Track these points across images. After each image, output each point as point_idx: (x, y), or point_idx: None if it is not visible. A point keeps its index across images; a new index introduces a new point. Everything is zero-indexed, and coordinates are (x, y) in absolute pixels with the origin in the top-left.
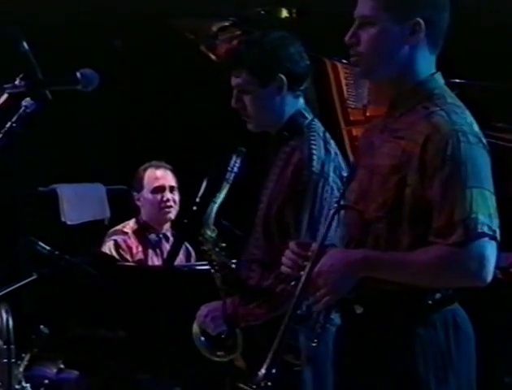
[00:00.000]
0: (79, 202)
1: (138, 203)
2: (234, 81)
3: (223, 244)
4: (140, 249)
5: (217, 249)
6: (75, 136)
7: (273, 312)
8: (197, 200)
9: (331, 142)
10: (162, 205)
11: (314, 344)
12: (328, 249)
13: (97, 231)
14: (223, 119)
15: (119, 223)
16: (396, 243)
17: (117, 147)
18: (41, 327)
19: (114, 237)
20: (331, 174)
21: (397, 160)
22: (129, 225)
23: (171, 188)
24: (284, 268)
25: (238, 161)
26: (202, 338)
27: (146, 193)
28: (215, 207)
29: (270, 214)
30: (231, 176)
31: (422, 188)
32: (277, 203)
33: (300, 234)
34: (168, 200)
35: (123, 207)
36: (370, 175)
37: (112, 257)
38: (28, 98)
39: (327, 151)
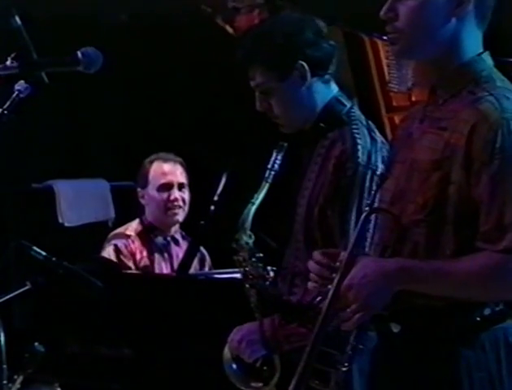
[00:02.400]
0: (79, 201)
1: (142, 201)
2: (252, 83)
3: (261, 254)
4: (144, 253)
5: (253, 260)
6: (75, 124)
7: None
8: (215, 198)
9: (376, 130)
10: (169, 206)
11: (344, 369)
12: (359, 259)
13: (99, 234)
14: (245, 106)
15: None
16: (437, 250)
17: (123, 137)
18: (36, 344)
19: (115, 241)
20: (380, 164)
21: (440, 154)
22: (132, 227)
23: (180, 186)
24: (310, 283)
25: (279, 157)
26: (234, 365)
27: (151, 190)
28: (253, 209)
29: (311, 217)
30: (271, 175)
31: (468, 186)
32: (318, 204)
33: (347, 237)
34: (176, 199)
35: (129, 207)
36: (408, 172)
37: (117, 264)
38: (21, 81)
39: (373, 139)
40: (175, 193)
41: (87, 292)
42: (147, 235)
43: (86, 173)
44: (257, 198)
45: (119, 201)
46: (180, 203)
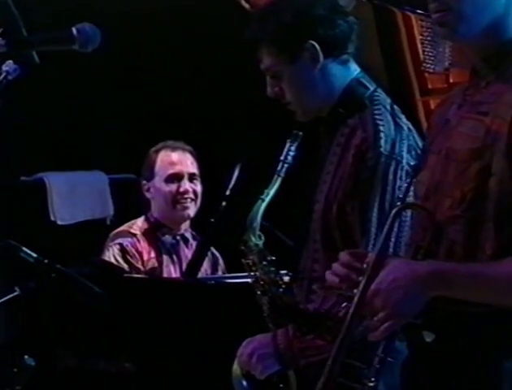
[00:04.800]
0: (73, 196)
1: (148, 195)
2: (261, 66)
3: (272, 258)
4: (152, 254)
5: (264, 263)
6: (69, 109)
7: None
8: (227, 193)
9: (402, 116)
10: (179, 198)
11: (371, 384)
12: (389, 261)
13: (97, 233)
14: (257, 92)
15: (125, 224)
16: (476, 250)
17: (123, 125)
18: (26, 357)
19: (120, 241)
20: (405, 154)
21: (480, 142)
22: (137, 224)
23: (191, 177)
24: (327, 285)
25: (293, 148)
26: (244, 382)
27: (158, 182)
28: (263, 207)
29: (329, 215)
30: (283, 167)
31: (510, 178)
32: (337, 200)
33: (368, 237)
34: (186, 191)
35: (130, 202)
36: (444, 163)
37: (117, 267)
38: (9, 61)
39: (398, 126)
40: (186, 185)
41: (83, 299)
42: (154, 233)
43: (81, 164)
44: (267, 194)
45: (119, 195)
46: (191, 196)
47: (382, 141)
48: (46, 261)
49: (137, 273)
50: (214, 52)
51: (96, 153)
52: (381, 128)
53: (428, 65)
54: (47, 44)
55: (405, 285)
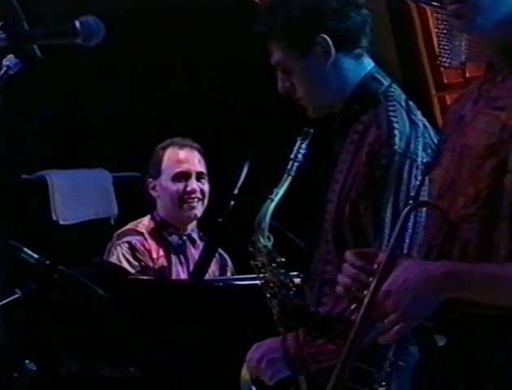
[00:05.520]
0: (76, 195)
1: (154, 193)
2: (272, 61)
3: (282, 259)
4: (161, 253)
5: (273, 265)
6: (72, 106)
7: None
8: (236, 192)
9: (418, 112)
10: (185, 198)
11: (381, 388)
12: (400, 261)
13: (100, 233)
14: (266, 86)
15: (129, 223)
16: (491, 250)
17: (128, 122)
18: (27, 362)
19: (128, 239)
20: (421, 153)
21: (495, 138)
22: (143, 223)
23: (199, 175)
24: (339, 288)
25: (303, 146)
26: (254, 388)
27: (165, 181)
28: (272, 207)
29: (341, 215)
30: (294, 166)
31: None
32: (350, 200)
33: (381, 238)
34: (194, 191)
35: (135, 201)
36: (458, 160)
37: (121, 268)
38: (10, 56)
39: (413, 123)
40: (193, 184)
41: (86, 302)
42: (160, 233)
43: (84, 162)
44: (277, 194)
45: (123, 194)
46: (199, 195)
47: (396, 139)
48: (48, 262)
49: (148, 271)
50: (221, 47)
51: (99, 151)
52: (395, 125)
53: (444, 59)
54: (49, 37)
55: (417, 286)
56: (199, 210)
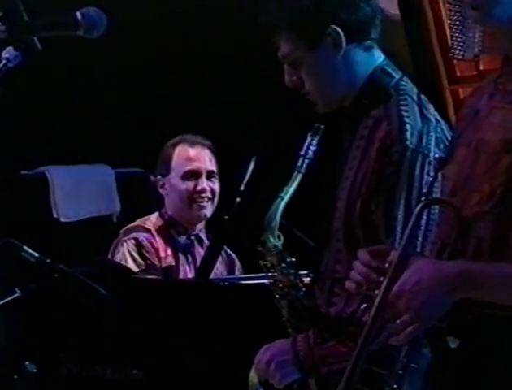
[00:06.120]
0: (77, 191)
1: (162, 191)
2: (279, 53)
3: (292, 259)
4: (169, 252)
5: (283, 265)
6: (74, 99)
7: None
8: (242, 188)
9: (430, 106)
10: (195, 197)
11: None
12: (413, 260)
13: (102, 231)
14: (273, 81)
15: (132, 221)
16: (505, 249)
17: (131, 116)
18: (27, 363)
19: (135, 235)
20: (433, 148)
21: None
22: (150, 220)
23: (209, 174)
24: (348, 284)
25: (314, 143)
26: None
27: (174, 179)
28: (282, 205)
29: (352, 213)
30: (304, 163)
31: None
32: (361, 197)
33: (393, 236)
34: (204, 190)
35: (138, 198)
36: (473, 156)
37: (124, 267)
38: (9, 48)
39: (425, 117)
40: (203, 183)
41: (88, 302)
42: (168, 231)
43: (86, 158)
44: (287, 191)
45: (126, 191)
46: (209, 194)
47: (408, 134)
48: (48, 260)
49: (154, 270)
50: (227, 41)
51: (101, 146)
52: (407, 120)
53: (457, 51)
54: (50, 29)
55: (430, 287)
56: (209, 210)
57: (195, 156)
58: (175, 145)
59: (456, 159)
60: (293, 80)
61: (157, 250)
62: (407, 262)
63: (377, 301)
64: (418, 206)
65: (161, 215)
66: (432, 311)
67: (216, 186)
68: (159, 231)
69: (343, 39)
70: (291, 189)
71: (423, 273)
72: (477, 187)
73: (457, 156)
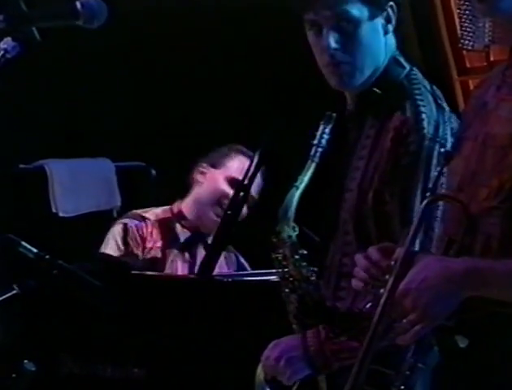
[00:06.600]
0: (77, 185)
1: (199, 178)
2: (328, 14)
3: (304, 251)
4: (158, 244)
5: (296, 257)
6: (73, 91)
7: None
8: (245, 182)
9: (443, 98)
10: (222, 202)
11: None
12: (419, 257)
13: (102, 226)
14: (283, 69)
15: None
16: None
17: (133, 108)
18: (25, 362)
19: (125, 220)
20: (450, 138)
21: None
22: (154, 211)
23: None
24: (355, 282)
25: (327, 131)
26: (268, 389)
27: (220, 175)
28: (298, 195)
29: (363, 204)
30: (317, 152)
31: None
32: (373, 187)
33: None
34: None
35: (139, 192)
36: (480, 150)
37: (124, 262)
38: (7, 38)
39: (440, 107)
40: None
41: (87, 298)
42: (170, 224)
43: (85, 151)
44: (302, 181)
45: (127, 185)
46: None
47: (425, 123)
48: (47, 256)
49: (133, 258)
50: (229, 32)
51: (101, 139)
52: (423, 109)
53: (466, 42)
54: (49, 19)
55: (437, 285)
56: None
57: None
58: (238, 152)
59: (462, 153)
60: (335, 47)
61: (144, 240)
62: (413, 259)
63: (383, 299)
64: (424, 202)
65: (171, 209)
66: (439, 309)
67: (244, 211)
68: (160, 221)
69: (393, 19)
70: (305, 179)
71: (430, 271)
72: (485, 182)
73: (464, 150)
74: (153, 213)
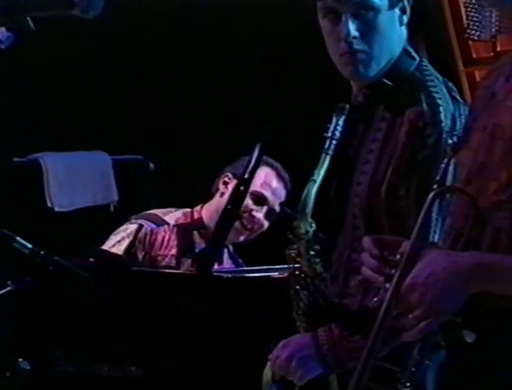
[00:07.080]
0: (73, 180)
1: (221, 188)
2: (347, 5)
3: (318, 247)
4: (173, 251)
5: (311, 253)
6: (68, 83)
7: (388, 343)
8: (246, 176)
9: (456, 90)
10: (243, 215)
11: (406, 389)
12: (425, 252)
13: (99, 221)
14: (285, 59)
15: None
16: None
17: (130, 101)
18: (20, 361)
19: (143, 221)
20: None
21: None
22: (175, 214)
23: (270, 213)
24: (363, 276)
25: (340, 123)
26: (275, 389)
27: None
28: (315, 188)
29: (376, 198)
30: (331, 144)
31: None
32: (387, 181)
33: None
34: (255, 218)
35: (137, 186)
36: (489, 142)
37: (122, 258)
38: (1, 28)
39: (455, 99)
40: (261, 214)
41: (84, 295)
42: (188, 231)
43: (82, 144)
44: (318, 174)
45: (124, 179)
46: (254, 225)
47: (442, 116)
48: (43, 252)
49: (135, 262)
50: (230, 26)
51: (98, 131)
52: (439, 102)
53: (473, 32)
54: (44, 9)
55: (444, 279)
56: (243, 237)
57: (274, 189)
58: (266, 164)
59: (470, 145)
60: (355, 35)
61: (152, 246)
62: (420, 253)
63: (388, 294)
64: (431, 194)
65: (192, 214)
66: (446, 305)
67: (265, 227)
68: (179, 226)
69: (408, 10)
70: (322, 172)
71: (437, 265)
72: (494, 174)
73: (472, 141)
74: (173, 216)
